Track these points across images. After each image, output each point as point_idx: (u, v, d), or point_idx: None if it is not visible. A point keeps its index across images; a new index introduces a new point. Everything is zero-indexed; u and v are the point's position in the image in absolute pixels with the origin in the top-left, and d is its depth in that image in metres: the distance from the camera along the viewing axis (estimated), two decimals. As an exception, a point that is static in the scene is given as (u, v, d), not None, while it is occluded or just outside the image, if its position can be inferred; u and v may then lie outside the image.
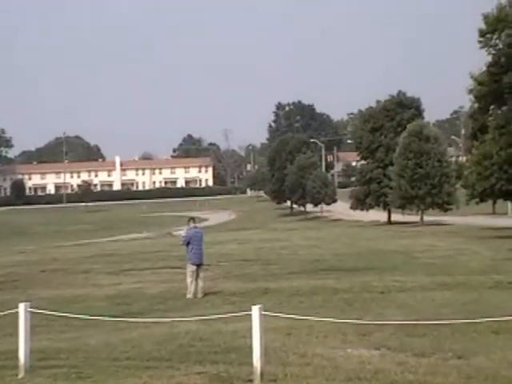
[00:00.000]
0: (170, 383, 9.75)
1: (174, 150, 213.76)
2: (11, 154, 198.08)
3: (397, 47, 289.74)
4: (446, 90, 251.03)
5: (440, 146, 58.69)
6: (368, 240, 41.16)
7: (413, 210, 61.08)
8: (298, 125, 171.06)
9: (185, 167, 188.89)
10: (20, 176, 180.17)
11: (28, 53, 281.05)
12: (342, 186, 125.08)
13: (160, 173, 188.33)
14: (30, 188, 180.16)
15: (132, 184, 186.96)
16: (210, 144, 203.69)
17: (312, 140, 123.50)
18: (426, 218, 59.20)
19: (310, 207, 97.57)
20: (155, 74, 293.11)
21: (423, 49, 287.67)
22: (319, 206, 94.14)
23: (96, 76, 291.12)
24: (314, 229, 63.36)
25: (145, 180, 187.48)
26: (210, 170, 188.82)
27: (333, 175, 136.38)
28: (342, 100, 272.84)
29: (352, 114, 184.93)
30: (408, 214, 62.29)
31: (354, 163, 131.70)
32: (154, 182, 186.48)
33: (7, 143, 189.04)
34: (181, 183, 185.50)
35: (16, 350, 10.92)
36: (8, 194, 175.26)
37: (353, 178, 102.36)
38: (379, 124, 67.25)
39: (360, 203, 69.94)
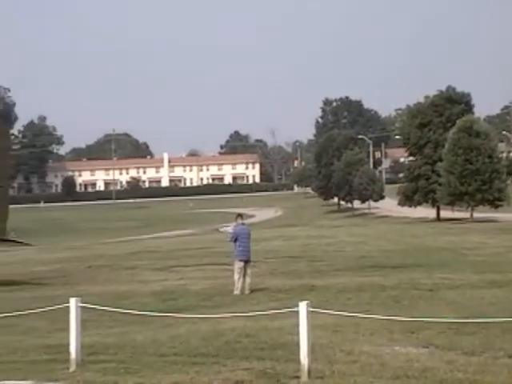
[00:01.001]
0: (216, 379, 9.77)
1: (221, 147, 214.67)
2: (62, 151, 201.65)
3: (445, 41, 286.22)
4: (497, 84, 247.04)
5: (490, 141, 57.80)
6: (415, 237, 40.74)
7: (462, 206, 60.32)
8: (346, 121, 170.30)
9: (232, 164, 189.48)
10: (70, 173, 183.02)
11: (82, 55, 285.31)
12: (390, 182, 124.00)
13: (207, 169, 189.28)
14: (80, 185, 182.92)
15: (180, 180, 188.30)
16: (257, 140, 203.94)
17: (359, 136, 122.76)
18: (476, 215, 58.36)
19: (357, 204, 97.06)
20: (202, 72, 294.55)
21: (473, 43, 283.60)
22: (366, 202, 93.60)
23: (145, 75, 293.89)
24: (361, 225, 62.94)
25: (192, 177, 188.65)
26: (257, 166, 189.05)
27: (380, 172, 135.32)
28: (389, 95, 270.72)
29: (400, 109, 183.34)
30: (457, 211, 61.51)
31: (401, 159, 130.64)
32: (202, 179, 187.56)
33: (58, 140, 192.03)
34: (228, 180, 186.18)
35: (67, 345, 11.08)
36: (59, 190, 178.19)
37: (401, 175, 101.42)
38: (428, 119, 66.54)
39: (408, 200, 69.34)
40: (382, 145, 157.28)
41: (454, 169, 57.02)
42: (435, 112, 66.53)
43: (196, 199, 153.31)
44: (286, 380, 9.63)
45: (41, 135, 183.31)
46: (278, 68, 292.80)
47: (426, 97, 71.12)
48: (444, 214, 64.86)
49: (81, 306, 11.10)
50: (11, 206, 30.95)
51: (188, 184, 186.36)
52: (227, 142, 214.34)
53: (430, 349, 11.12)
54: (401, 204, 71.46)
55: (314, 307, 10.00)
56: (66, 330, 11.25)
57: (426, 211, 68.83)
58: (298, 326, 9.70)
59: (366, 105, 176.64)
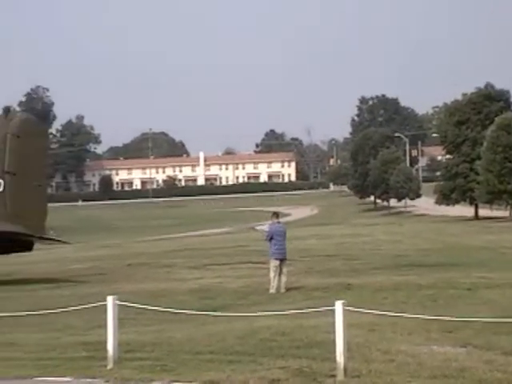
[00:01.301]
0: (252, 377, 9.77)
1: (257, 145, 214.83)
2: (99, 150, 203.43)
3: (484, 37, 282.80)
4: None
5: (530, 139, 56.96)
6: (453, 235, 40.35)
7: (501, 205, 59.58)
8: (382, 119, 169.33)
9: (267, 162, 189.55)
10: (108, 172, 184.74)
11: (120, 55, 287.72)
12: (427, 180, 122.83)
13: (243, 168, 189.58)
14: (117, 183, 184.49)
15: (215, 179, 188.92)
16: (293, 139, 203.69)
17: (396, 134, 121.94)
18: (515, 214, 57.55)
19: (393, 202, 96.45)
20: (237, 71, 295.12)
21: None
22: (403, 200, 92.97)
23: (181, 74, 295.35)
24: (398, 224, 62.49)
25: (228, 175, 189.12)
26: (293, 164, 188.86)
27: (417, 170, 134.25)
28: (427, 93, 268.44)
29: (437, 107, 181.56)
30: (496, 210, 60.77)
31: (439, 158, 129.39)
32: (237, 177, 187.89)
33: (96, 139, 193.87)
34: (263, 178, 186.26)
35: (104, 342, 11.18)
36: (96, 189, 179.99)
37: (438, 173, 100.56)
38: (465, 117, 65.86)
39: (445, 198, 68.74)
40: (419, 143, 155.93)
41: (493, 167, 56.35)
42: (473, 110, 65.82)
43: (232, 198, 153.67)
44: (322, 378, 9.59)
45: (79, 134, 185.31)
46: (314, 66, 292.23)
47: (464, 94, 70.50)
48: (482, 212, 64.13)
49: (117, 304, 11.18)
50: (50, 205, 31.30)
51: (224, 183, 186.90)
52: (263, 140, 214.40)
53: (468, 348, 11.00)
54: (438, 202, 70.85)
55: (349, 306, 9.95)
56: (104, 327, 11.35)
57: (464, 210, 68.12)
58: (333, 324, 9.65)
59: (403, 103, 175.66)
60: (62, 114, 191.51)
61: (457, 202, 68.08)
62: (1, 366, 11.28)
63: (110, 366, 10.87)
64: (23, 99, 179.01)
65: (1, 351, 12.52)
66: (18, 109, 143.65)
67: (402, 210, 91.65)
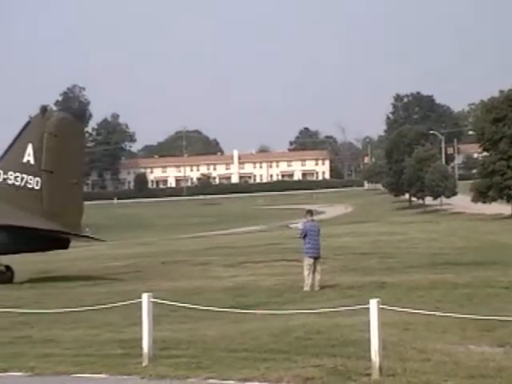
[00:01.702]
0: (287, 375, 9.78)
1: (291, 143, 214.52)
2: (134, 148, 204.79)
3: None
4: None
5: None
6: (490, 234, 39.91)
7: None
8: (417, 116, 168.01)
9: (301, 160, 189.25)
10: (142, 170, 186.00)
11: (154, 55, 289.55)
12: (463, 178, 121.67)
13: (277, 166, 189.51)
14: (151, 181, 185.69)
15: (249, 177, 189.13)
16: (327, 137, 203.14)
17: (431, 132, 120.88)
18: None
19: (429, 200, 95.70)
20: (272, 69, 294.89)
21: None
22: (438, 199, 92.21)
23: (215, 72, 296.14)
24: (433, 222, 62.00)
25: (262, 173, 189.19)
26: (327, 162, 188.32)
27: (453, 168, 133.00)
28: (462, 90, 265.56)
29: (473, 104, 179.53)
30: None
31: (475, 155, 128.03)
32: (271, 175, 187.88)
33: (131, 138, 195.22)
34: (297, 176, 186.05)
35: (140, 339, 11.26)
36: (131, 187, 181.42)
37: (474, 171, 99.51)
38: (502, 114, 65.05)
39: (482, 196, 67.99)
40: (455, 140, 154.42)
41: (530, 164, 55.57)
42: (510, 106, 64.99)
43: (266, 196, 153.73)
44: (357, 377, 9.56)
45: (114, 133, 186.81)
46: (348, 63, 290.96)
47: (501, 91, 69.56)
48: (520, 210, 63.28)
49: (152, 302, 11.26)
50: (86, 203, 31.63)
51: (258, 180, 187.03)
52: (297, 138, 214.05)
53: (506, 348, 10.87)
54: (474, 200, 70.09)
55: (384, 304, 9.91)
56: (139, 324, 11.44)
57: (501, 208, 67.29)
58: (368, 323, 9.61)
59: (438, 100, 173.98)
60: (98, 113, 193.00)
61: (493, 199, 67.32)
62: (39, 362, 11.44)
63: (145, 363, 10.94)
64: (60, 98, 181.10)
65: (39, 347, 12.70)
66: (54, 108, 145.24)
67: (438, 208, 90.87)
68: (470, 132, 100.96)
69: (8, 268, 27.06)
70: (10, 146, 27.80)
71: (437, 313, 11.90)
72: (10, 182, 27.25)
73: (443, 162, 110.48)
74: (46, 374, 10.82)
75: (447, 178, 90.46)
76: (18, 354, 12.20)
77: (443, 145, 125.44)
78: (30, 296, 21.53)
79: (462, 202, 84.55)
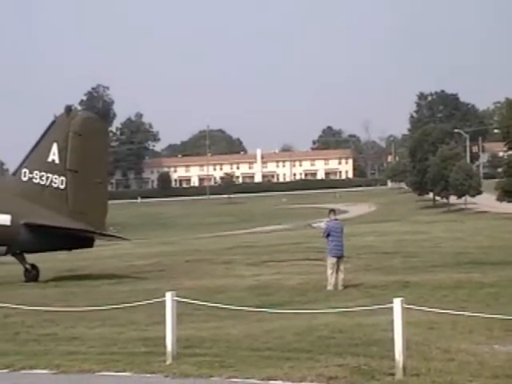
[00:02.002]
0: (310, 374, 9.77)
1: (314, 142, 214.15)
2: (158, 147, 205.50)
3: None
4: None
5: None
6: (515, 233, 39.54)
7: None
8: (441, 115, 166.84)
9: (325, 159, 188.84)
10: (166, 169, 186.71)
11: (177, 55, 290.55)
12: (488, 177, 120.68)
13: (300, 165, 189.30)
14: (175, 180, 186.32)
15: (272, 176, 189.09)
16: (350, 135, 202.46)
17: (456, 130, 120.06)
18: None
19: (453, 199, 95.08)
20: (295, 68, 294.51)
21: None
22: (463, 197, 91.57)
23: (239, 71, 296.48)
24: (458, 221, 61.58)
25: (285, 172, 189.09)
26: (350, 161, 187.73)
27: (478, 166, 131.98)
28: (487, 88, 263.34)
29: (499, 102, 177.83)
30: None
31: (500, 154, 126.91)
32: (295, 174, 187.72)
33: (154, 137, 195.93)
34: (321, 175, 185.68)
35: (164, 337, 11.31)
36: (155, 186, 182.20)
37: (499, 169, 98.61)
38: (528, 112, 64.45)
39: (507, 195, 67.43)
40: (480, 139, 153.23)
41: (556, 163, 55.01)
42: (536, 104, 64.40)
43: (289, 195, 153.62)
44: (380, 376, 9.53)
45: (138, 132, 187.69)
46: (372, 62, 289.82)
47: (527, 89, 68.96)
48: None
49: (176, 300, 11.30)
50: (110, 202, 31.80)
51: (281, 179, 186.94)
52: (320, 137, 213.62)
53: (532, 348, 10.78)
54: (500, 199, 69.55)
55: (408, 304, 9.87)
56: (163, 323, 11.49)
57: (527, 207, 66.72)
58: (392, 322, 9.58)
59: (463, 98, 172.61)
60: (122, 112, 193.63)
61: (519, 198, 66.82)
62: (64, 360, 11.53)
63: (168, 361, 10.99)
64: (84, 98, 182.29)
65: (65, 345, 12.80)
66: (79, 107, 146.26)
67: (462, 207, 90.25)
68: (495, 130, 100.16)
69: (33, 266, 27.29)
70: (36, 146, 28.04)
71: (463, 312, 11.83)
72: (35, 181, 27.48)
73: (468, 160, 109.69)
74: (71, 371, 10.90)
75: (472, 177, 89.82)
76: (44, 351, 12.32)
77: (468, 143, 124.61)
78: (55, 294, 21.70)
79: (487, 200, 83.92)
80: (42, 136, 28.07)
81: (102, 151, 29.70)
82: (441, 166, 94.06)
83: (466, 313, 11.70)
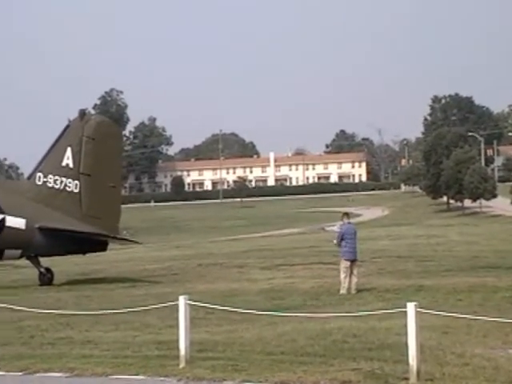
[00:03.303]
0: (323, 379, 9.75)
1: (327, 146, 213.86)
2: (171, 151, 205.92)
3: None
4: None
5: None
6: (530, 237, 39.31)
7: None
8: (455, 118, 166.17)
9: (338, 163, 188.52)
10: (179, 172, 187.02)
11: (189, 58, 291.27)
12: (503, 180, 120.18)
13: (313, 168, 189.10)
14: (188, 184, 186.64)
15: (285, 180, 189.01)
16: (364, 139, 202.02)
17: (470, 133, 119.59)
18: None
19: (467, 203, 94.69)
20: (307, 71, 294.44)
21: None
22: (478, 201, 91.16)
23: (250, 75, 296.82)
24: (472, 225, 61.31)
25: (298, 176, 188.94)
26: (364, 165, 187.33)
27: (493, 170, 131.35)
28: (502, 91, 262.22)
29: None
30: None
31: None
32: (308, 178, 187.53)
33: (167, 141, 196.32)
34: (334, 179, 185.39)
35: (177, 341, 11.33)
36: (168, 190, 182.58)
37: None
38: (543, 115, 64.18)
39: (522, 198, 67.11)
40: (495, 142, 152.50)
41: None
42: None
43: (302, 198, 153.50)
44: (394, 381, 9.50)
45: (151, 136, 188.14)
46: (385, 64, 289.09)
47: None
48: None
49: (189, 304, 11.31)
50: (123, 206, 31.92)
51: (294, 183, 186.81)
52: (333, 140, 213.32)
53: (547, 353, 10.70)
54: (514, 203, 69.19)
55: (422, 308, 9.83)
56: (176, 326, 11.50)
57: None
58: (406, 326, 9.55)
59: (477, 101, 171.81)
60: (135, 117, 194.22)
61: (534, 202, 66.51)
62: (78, 363, 11.57)
63: (182, 365, 11.00)
64: (98, 102, 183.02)
65: (79, 349, 12.84)
66: (92, 111, 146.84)
67: (477, 210, 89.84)
68: (510, 133, 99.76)
69: (48, 270, 27.42)
70: (50, 150, 28.19)
71: (478, 317, 11.76)
72: (49, 185, 27.63)
73: (482, 163, 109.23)
74: (86, 375, 10.94)
75: (487, 180, 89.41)
76: (58, 355, 12.36)
77: (482, 146, 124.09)
78: (70, 298, 21.79)
79: (502, 204, 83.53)
80: (56, 140, 28.22)
81: (116, 155, 29.82)
82: (455, 169, 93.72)
83: (480, 317, 11.64)
